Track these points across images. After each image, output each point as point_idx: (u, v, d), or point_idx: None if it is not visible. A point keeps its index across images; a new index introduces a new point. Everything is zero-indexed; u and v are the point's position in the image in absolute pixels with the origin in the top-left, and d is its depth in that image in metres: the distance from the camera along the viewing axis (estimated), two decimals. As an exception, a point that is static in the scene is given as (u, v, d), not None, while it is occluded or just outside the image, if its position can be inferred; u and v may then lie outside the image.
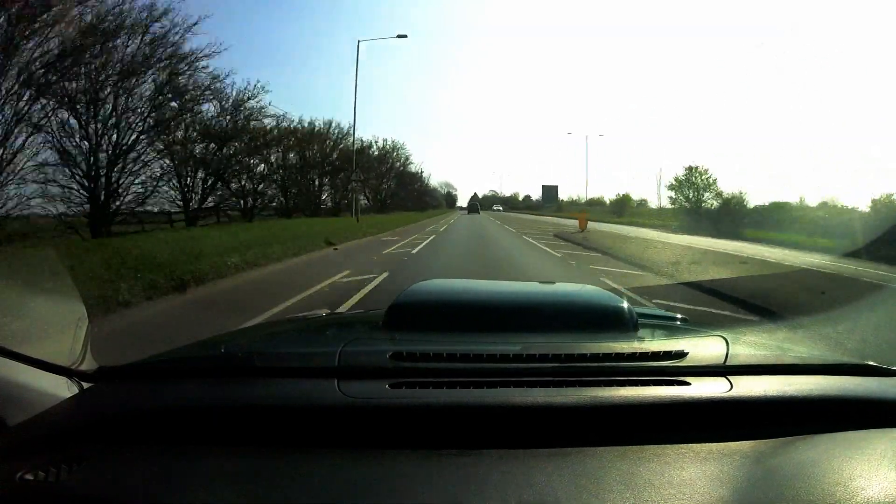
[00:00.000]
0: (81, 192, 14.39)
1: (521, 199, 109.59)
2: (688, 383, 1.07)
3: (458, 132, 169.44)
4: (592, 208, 53.31)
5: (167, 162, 18.21)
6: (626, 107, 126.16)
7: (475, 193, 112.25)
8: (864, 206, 21.05)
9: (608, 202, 62.37)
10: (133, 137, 15.21)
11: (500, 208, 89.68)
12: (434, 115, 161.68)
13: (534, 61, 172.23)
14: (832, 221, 19.26)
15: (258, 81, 21.56)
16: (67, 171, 13.99)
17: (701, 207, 30.15)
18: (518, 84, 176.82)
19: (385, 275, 8.55)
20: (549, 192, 75.64)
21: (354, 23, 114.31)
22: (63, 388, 1.03)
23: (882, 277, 9.99)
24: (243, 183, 24.44)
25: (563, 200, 74.39)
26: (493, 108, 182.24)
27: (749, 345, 1.53)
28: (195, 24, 15.52)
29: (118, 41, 14.21)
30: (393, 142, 53.05)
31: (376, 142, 50.20)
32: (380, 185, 50.57)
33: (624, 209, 51.99)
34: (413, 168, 58.18)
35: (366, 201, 45.02)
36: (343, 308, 5.68)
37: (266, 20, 79.55)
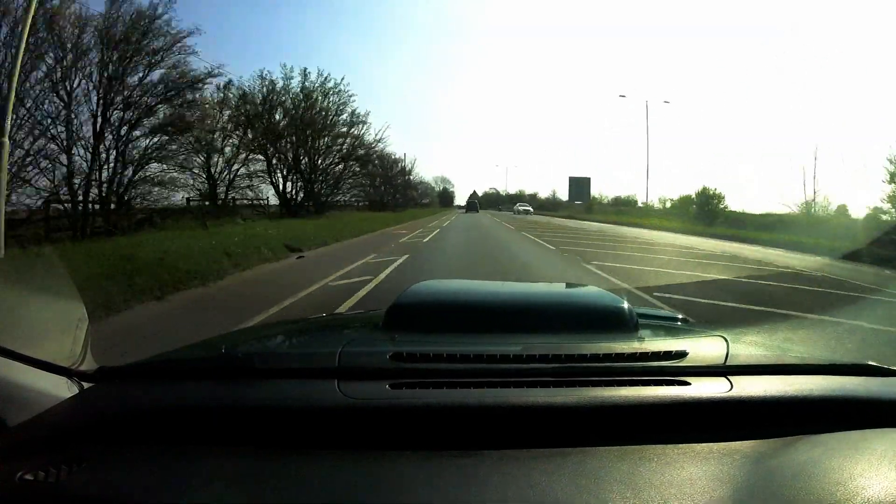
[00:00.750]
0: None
1: (526, 195, 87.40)
2: (688, 383, 1.07)
3: (456, 131, 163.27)
4: (632, 210, 41.00)
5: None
6: (626, 106, 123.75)
7: (474, 191, 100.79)
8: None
9: (665, 202, 43.17)
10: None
11: (529, 209, 55.81)
12: (432, 114, 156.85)
13: (535, 60, 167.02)
14: None
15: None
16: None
17: None
18: (516, 80, 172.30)
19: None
20: (579, 186, 55.08)
21: (354, 21, 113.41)
22: (63, 389, 1.03)
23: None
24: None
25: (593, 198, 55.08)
26: (493, 105, 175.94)
27: (749, 345, 1.53)
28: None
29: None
30: (324, 79, 26.37)
31: (287, 73, 25.56)
32: (297, 158, 25.71)
33: (710, 214, 30.18)
34: (371, 135, 30.73)
35: (270, 197, 24.46)
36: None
37: (264, 16, 79.51)
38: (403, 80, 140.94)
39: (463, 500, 0.80)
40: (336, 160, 28.47)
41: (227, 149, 20.94)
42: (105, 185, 14.43)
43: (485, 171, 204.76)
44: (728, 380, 1.10)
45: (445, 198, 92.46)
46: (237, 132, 21.93)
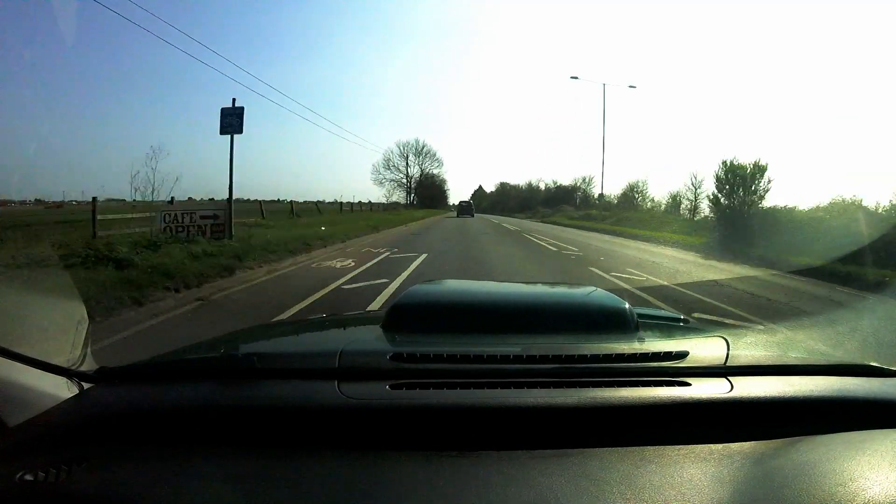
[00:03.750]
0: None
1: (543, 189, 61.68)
2: (688, 384, 1.07)
3: (460, 128, 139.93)
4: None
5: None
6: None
7: (479, 186, 79.51)
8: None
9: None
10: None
11: None
12: (435, 110, 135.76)
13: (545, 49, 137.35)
14: None
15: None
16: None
17: None
18: (525, 71, 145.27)
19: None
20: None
21: (353, 19, 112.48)
22: (63, 389, 1.03)
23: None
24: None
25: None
26: (501, 101, 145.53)
27: (750, 346, 1.53)
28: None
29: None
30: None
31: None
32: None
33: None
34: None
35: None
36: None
37: (265, 14, 79.90)
38: (405, 72, 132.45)
39: (463, 501, 0.80)
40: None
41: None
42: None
43: (493, 168, 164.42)
44: (728, 380, 1.10)
45: (428, 191, 54.94)
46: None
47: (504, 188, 75.57)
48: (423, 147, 58.89)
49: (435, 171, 59.75)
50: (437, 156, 62.84)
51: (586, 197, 55.59)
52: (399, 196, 57.50)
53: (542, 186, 65.30)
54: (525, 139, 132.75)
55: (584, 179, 57.95)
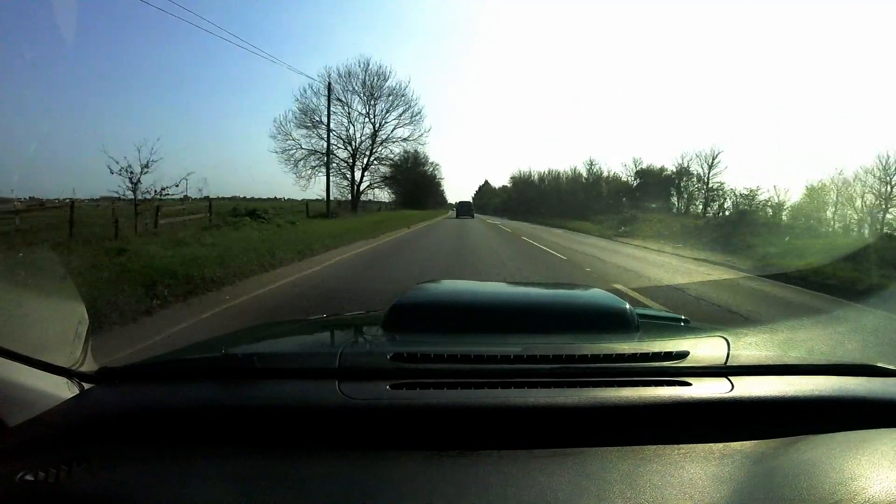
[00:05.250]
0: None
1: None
2: (689, 384, 1.07)
3: (463, 125, 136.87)
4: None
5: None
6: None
7: (486, 181, 77.02)
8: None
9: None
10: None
11: None
12: (439, 108, 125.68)
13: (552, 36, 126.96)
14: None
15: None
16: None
17: None
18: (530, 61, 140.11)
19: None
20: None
21: (354, 18, 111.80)
22: (63, 389, 1.03)
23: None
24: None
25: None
26: (507, 97, 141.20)
27: (750, 345, 1.53)
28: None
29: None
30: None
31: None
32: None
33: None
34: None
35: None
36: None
37: (265, 14, 79.30)
38: (410, 69, 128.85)
39: (463, 501, 0.80)
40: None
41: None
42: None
43: (503, 159, 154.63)
44: (729, 380, 1.10)
45: (404, 176, 35.45)
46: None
47: (525, 180, 51.34)
48: (379, 78, 28.46)
49: (406, 134, 30.55)
50: (414, 103, 30.89)
51: (709, 190, 32.68)
52: (316, 190, 30.74)
53: (607, 173, 39.88)
54: (548, 121, 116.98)
55: (697, 157, 33.12)
